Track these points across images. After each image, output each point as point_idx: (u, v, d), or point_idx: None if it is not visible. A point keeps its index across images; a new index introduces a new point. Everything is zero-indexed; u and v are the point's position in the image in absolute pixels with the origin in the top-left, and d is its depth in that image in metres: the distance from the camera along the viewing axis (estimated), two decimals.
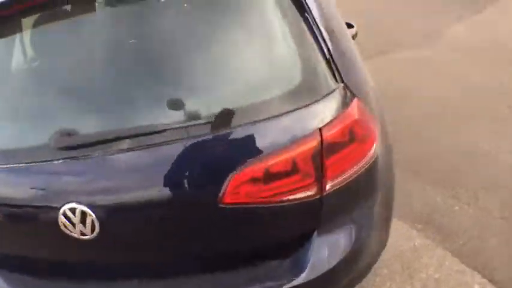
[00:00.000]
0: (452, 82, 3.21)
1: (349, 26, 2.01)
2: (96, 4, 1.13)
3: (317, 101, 1.08)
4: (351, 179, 1.10)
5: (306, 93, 1.09)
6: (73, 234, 1.07)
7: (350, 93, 1.13)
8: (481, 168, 2.31)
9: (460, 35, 4.02)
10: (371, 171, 1.16)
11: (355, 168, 1.11)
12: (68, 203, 1.05)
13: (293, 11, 1.14)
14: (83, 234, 1.06)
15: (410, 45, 3.93)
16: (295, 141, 1.03)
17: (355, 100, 1.13)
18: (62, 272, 1.24)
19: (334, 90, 1.11)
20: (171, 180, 1.04)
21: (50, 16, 1.17)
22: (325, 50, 1.13)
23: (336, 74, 1.13)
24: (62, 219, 1.06)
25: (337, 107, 1.09)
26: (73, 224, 1.06)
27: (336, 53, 1.15)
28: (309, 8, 1.15)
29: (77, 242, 1.08)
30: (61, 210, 1.05)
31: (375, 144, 1.16)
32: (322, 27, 1.15)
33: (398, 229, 2.03)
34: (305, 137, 1.03)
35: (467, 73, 3.31)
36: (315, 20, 1.14)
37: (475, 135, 2.58)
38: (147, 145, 1.03)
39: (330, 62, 1.13)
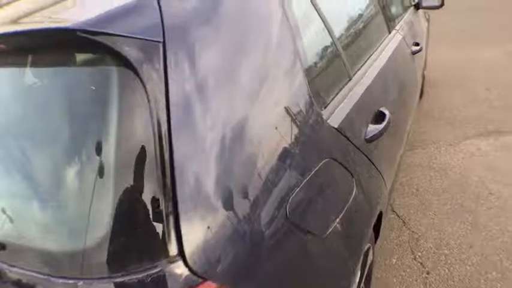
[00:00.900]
0: None
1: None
2: None
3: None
4: None
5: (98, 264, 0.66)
6: None
7: (193, 276, 0.66)
8: None
9: None
10: None
11: None
12: None
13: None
14: None
15: None
16: None
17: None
18: None
19: (152, 269, 0.64)
20: None
21: None
22: (158, 194, 0.65)
23: (168, 239, 0.64)
24: None
25: None
26: None
27: (186, 200, 0.66)
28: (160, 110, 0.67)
29: None
30: None
31: None
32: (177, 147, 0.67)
33: None
34: None
35: None
36: (168, 131, 0.67)
37: None
38: None
39: (159, 216, 0.64)
